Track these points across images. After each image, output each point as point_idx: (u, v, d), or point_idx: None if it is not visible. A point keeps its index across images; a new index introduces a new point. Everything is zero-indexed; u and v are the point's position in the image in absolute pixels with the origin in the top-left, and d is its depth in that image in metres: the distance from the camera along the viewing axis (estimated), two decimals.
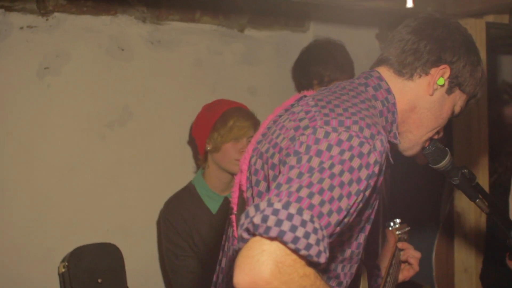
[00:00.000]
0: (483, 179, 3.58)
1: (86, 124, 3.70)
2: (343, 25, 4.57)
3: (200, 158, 3.59)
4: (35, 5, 3.49)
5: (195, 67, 4.05)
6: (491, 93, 4.01)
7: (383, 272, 2.65)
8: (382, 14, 4.32)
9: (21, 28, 3.48)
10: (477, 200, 2.43)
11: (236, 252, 1.58)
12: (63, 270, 3.48)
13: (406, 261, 2.74)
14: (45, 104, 3.58)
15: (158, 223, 3.76)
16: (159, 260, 3.93)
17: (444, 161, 2.30)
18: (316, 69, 3.89)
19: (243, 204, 2.05)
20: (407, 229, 2.92)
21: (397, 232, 2.84)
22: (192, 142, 3.77)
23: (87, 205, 3.72)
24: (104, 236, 3.73)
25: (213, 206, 3.55)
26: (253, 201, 1.96)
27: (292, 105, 2.05)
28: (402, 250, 2.77)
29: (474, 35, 3.49)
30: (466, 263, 3.78)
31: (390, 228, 2.85)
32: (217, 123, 3.46)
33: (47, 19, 3.54)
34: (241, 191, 2.06)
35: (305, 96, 2.03)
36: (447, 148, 2.31)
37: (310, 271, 1.57)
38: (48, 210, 3.60)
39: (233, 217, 2.08)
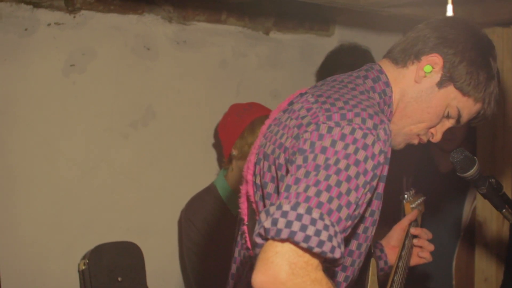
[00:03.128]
0: (507, 189, 3.55)
1: (109, 122, 3.71)
2: (368, 30, 4.57)
3: (225, 160, 3.59)
4: (63, 2, 3.50)
5: (219, 68, 4.06)
6: None
7: (389, 256, 2.63)
8: (408, 21, 4.30)
9: (49, 24, 3.49)
10: (504, 210, 2.42)
11: (254, 258, 1.60)
12: (83, 267, 3.49)
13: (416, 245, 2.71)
14: (70, 102, 3.59)
15: (180, 222, 3.76)
16: (179, 259, 3.94)
17: (472, 170, 2.29)
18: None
19: (253, 214, 2.05)
20: (422, 198, 2.86)
21: (412, 205, 2.78)
22: (217, 142, 3.76)
23: (108, 203, 3.73)
24: (124, 234, 3.74)
25: (234, 207, 3.54)
26: (263, 204, 1.97)
27: (290, 104, 2.04)
28: (415, 236, 2.72)
29: (501, 44, 3.48)
30: (486, 272, 3.75)
31: (405, 201, 2.80)
32: (245, 132, 3.45)
33: (74, 17, 3.55)
34: (249, 202, 2.07)
35: (301, 94, 2.02)
36: (475, 157, 2.29)
37: (321, 276, 1.58)
38: (69, 207, 3.61)
39: (245, 227, 2.09)
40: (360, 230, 1.92)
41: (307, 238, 1.52)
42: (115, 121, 3.74)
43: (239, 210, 2.13)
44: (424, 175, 3.80)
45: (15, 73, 3.41)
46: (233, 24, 4.09)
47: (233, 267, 2.15)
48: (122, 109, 3.76)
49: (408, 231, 2.67)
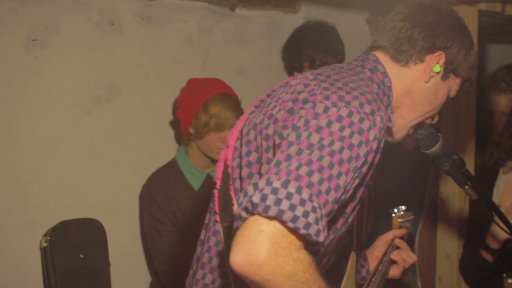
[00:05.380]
0: (469, 166, 3.58)
1: (72, 98, 3.67)
2: (333, 8, 4.56)
3: (183, 137, 3.56)
4: None
5: (184, 44, 4.02)
6: (480, 81, 4.01)
7: (371, 265, 2.64)
8: None
9: None
10: (466, 187, 2.44)
11: (234, 230, 1.58)
12: (45, 244, 3.46)
13: (395, 261, 2.72)
14: (32, 77, 3.54)
15: (141, 198, 3.74)
16: (141, 236, 3.92)
17: (435, 147, 2.30)
18: (307, 51, 3.87)
19: (226, 179, 2.03)
20: (411, 217, 2.89)
21: (400, 220, 2.82)
22: (175, 121, 3.73)
23: (71, 180, 3.70)
24: (87, 211, 3.71)
25: (196, 182, 3.54)
26: (240, 171, 1.95)
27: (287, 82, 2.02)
28: (398, 248, 2.75)
29: (466, 22, 3.48)
30: (448, 249, 3.79)
31: (394, 215, 2.83)
32: (199, 112, 3.40)
33: None
34: (225, 166, 2.04)
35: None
36: (439, 134, 2.31)
37: (304, 256, 1.57)
38: (31, 183, 3.57)
39: (216, 192, 2.07)
40: (340, 214, 1.91)
41: (295, 218, 1.50)
42: (78, 96, 3.69)
43: (214, 173, 2.10)
44: (389, 152, 3.82)
45: None
46: (199, 0, 4.05)
47: (203, 233, 2.14)
48: (86, 85, 3.71)
49: (392, 243, 2.69)
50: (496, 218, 2.61)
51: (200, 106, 3.40)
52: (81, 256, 3.54)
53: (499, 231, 2.66)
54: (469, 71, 2.17)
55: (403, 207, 2.84)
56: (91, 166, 3.75)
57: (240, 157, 1.96)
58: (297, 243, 1.55)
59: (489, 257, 3.24)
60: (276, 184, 1.54)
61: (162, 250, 3.46)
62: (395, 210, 2.82)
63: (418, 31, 2.07)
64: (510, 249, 2.97)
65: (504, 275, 3.14)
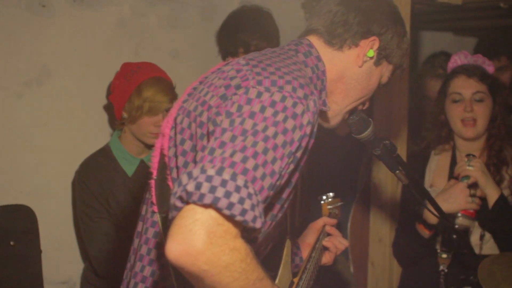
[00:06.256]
0: (401, 151, 3.65)
1: (2, 81, 3.59)
2: None
3: (117, 122, 3.52)
4: None
5: (117, 27, 3.97)
6: (414, 68, 4.07)
7: (303, 252, 2.65)
8: None
9: None
10: (397, 172, 2.47)
11: (170, 221, 1.56)
12: None
13: (327, 248, 2.72)
14: None
15: (73, 184, 3.68)
16: (73, 222, 3.87)
17: (367, 132, 2.33)
18: (243, 37, 3.87)
19: (163, 168, 2.00)
20: (339, 204, 2.92)
21: (329, 207, 2.84)
22: (109, 105, 3.68)
23: (1, 165, 3.62)
24: (17, 197, 3.64)
25: (129, 168, 3.51)
26: (176, 160, 1.93)
27: (219, 68, 2.01)
28: (329, 234, 2.76)
29: (399, 10, 3.53)
30: (380, 233, 3.85)
31: (323, 202, 2.85)
32: (133, 96, 3.36)
33: None
34: (162, 155, 2.01)
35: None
36: (370, 119, 2.33)
37: (241, 245, 1.56)
38: None
39: (152, 182, 2.04)
40: (276, 200, 1.91)
41: (230, 205, 1.49)
42: (8, 79, 3.61)
43: (149, 163, 2.07)
44: (321, 137, 3.85)
45: None
46: None
47: (140, 225, 2.10)
48: (16, 68, 3.63)
49: (323, 229, 2.70)
50: (427, 203, 2.66)
51: (134, 90, 3.36)
52: (12, 243, 3.47)
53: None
54: (401, 58, 2.19)
55: (331, 194, 2.88)
56: (22, 151, 3.68)
57: (175, 146, 1.94)
58: (233, 231, 1.54)
59: (425, 233, 3.29)
60: (211, 171, 1.52)
61: (95, 237, 3.42)
62: (324, 197, 2.86)
63: (353, 16, 2.08)
64: (446, 224, 3.03)
65: (438, 250, 3.21)
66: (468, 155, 3.22)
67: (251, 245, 1.63)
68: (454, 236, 3.02)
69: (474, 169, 3.17)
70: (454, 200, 3.12)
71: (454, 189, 3.17)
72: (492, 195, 3.20)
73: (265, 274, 1.67)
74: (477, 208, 3.17)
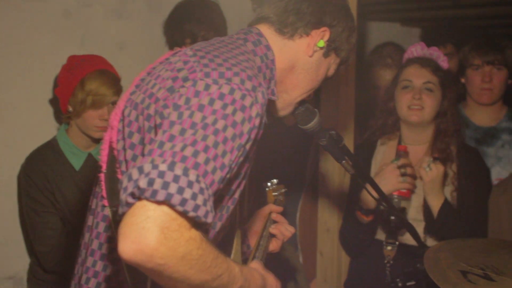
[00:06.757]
0: (348, 142, 3.67)
1: None
2: None
3: (63, 116, 3.48)
4: None
5: (62, 18, 3.92)
6: (360, 59, 4.09)
7: (250, 240, 2.66)
8: None
9: None
10: (343, 162, 2.49)
11: (120, 216, 1.54)
12: None
13: (274, 235, 2.72)
14: None
15: (19, 178, 3.63)
16: (19, 216, 3.81)
17: (312, 122, 2.35)
18: (190, 28, 3.86)
19: (112, 162, 1.99)
20: (283, 190, 2.95)
21: (274, 193, 2.86)
22: (55, 98, 3.64)
23: None
24: None
25: (76, 162, 3.47)
26: (125, 154, 1.91)
27: (167, 59, 2.00)
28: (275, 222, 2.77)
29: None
30: (328, 223, 3.87)
31: (267, 189, 2.86)
32: (76, 89, 3.33)
33: None
34: (111, 149, 2.00)
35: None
36: (316, 110, 2.35)
37: (195, 234, 1.56)
38: None
39: (102, 175, 2.02)
40: (226, 192, 1.91)
41: (183, 202, 1.49)
42: None
43: (99, 156, 2.05)
44: (270, 127, 3.85)
45: None
46: None
47: (90, 219, 2.08)
48: None
49: (269, 217, 2.71)
50: (371, 189, 2.70)
51: (77, 83, 3.33)
52: None
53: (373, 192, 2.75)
54: (348, 53, 2.24)
55: (275, 181, 2.91)
56: None
57: (124, 139, 1.93)
58: (186, 224, 1.53)
59: (363, 219, 3.33)
60: (162, 167, 1.51)
61: (41, 231, 3.37)
62: (269, 184, 2.89)
63: (306, 5, 2.11)
64: (383, 210, 3.07)
65: (384, 242, 3.24)
66: (435, 159, 3.27)
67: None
68: (392, 218, 3.06)
69: (427, 174, 3.23)
70: (386, 182, 3.19)
71: (385, 171, 3.25)
72: (435, 204, 3.28)
73: (218, 252, 1.66)
74: (410, 188, 3.25)
